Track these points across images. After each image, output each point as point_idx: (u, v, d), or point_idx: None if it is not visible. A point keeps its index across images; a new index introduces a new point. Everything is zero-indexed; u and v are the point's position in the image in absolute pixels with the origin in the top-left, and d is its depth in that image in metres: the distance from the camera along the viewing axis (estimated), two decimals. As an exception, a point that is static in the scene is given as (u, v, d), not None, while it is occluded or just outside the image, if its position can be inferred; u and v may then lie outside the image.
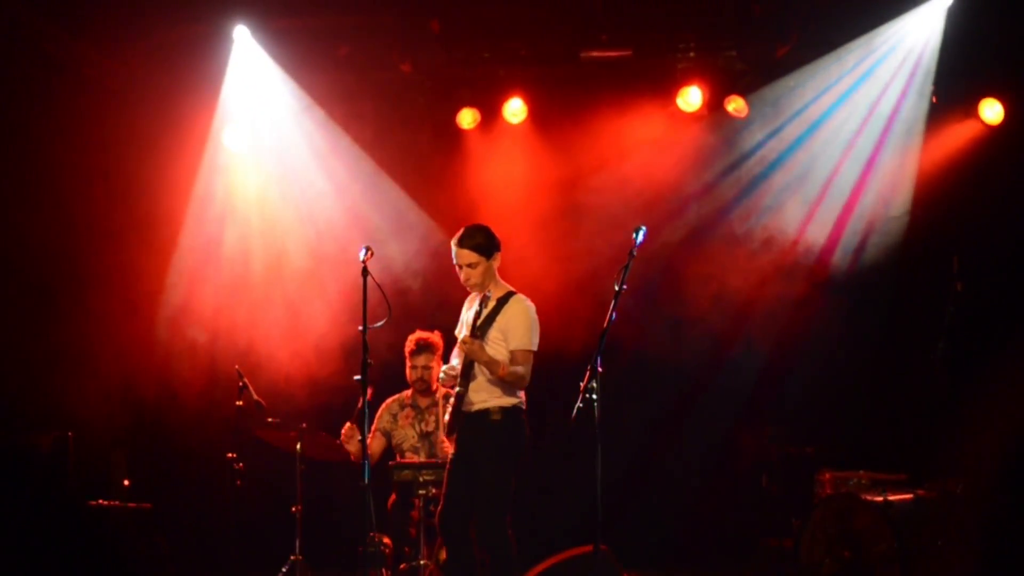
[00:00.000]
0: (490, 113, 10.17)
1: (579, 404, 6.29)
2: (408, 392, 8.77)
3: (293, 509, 8.49)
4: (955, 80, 9.66)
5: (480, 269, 7.16)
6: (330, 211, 10.22)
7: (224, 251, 10.26)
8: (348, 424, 8.15)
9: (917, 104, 9.69)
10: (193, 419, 9.97)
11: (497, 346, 7.07)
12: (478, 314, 7.16)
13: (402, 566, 8.05)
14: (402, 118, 10.18)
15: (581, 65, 9.95)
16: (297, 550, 8.43)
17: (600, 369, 6.33)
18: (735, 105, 9.97)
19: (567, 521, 9.01)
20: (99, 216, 9.99)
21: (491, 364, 6.96)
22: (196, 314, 10.19)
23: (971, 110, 9.75)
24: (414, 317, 8.40)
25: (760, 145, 10.04)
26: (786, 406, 8.75)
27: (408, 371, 8.58)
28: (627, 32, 9.74)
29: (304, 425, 8.52)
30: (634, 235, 6.60)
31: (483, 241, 7.16)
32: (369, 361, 7.09)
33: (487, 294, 7.16)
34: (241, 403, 8.61)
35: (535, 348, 7.13)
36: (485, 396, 7.12)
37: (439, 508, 7.26)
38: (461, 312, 7.36)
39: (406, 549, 8.14)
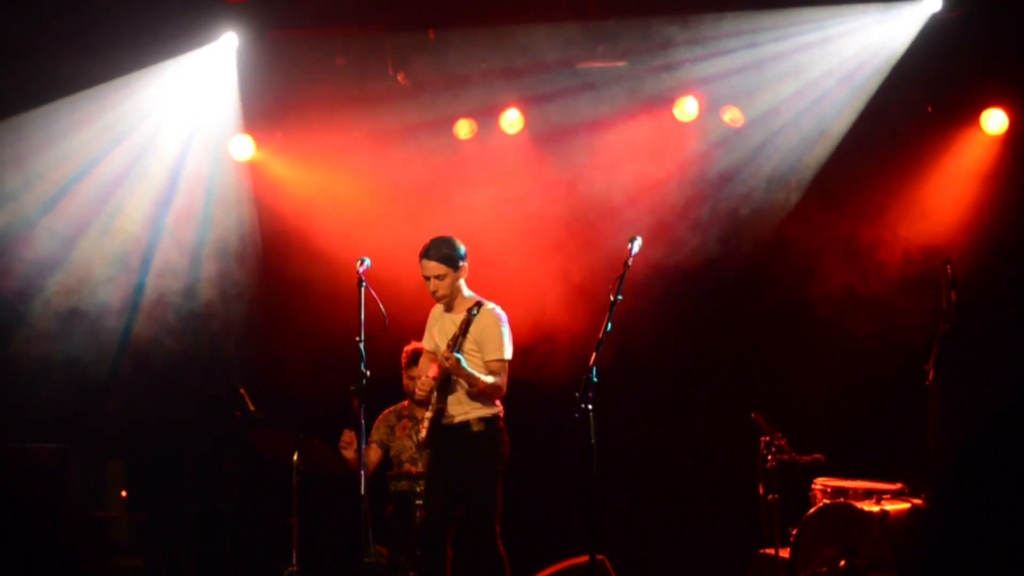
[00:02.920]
0: (487, 124, 10.18)
1: (574, 412, 6.31)
2: (405, 403, 8.78)
3: (289, 520, 8.51)
4: (955, 89, 9.66)
5: (448, 280, 7.23)
6: (326, 222, 10.22)
7: (224, 261, 10.26)
8: (347, 431, 8.17)
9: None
10: (190, 429, 9.96)
11: (472, 358, 7.12)
12: (456, 329, 7.18)
13: (398, 577, 8.06)
14: (397, 129, 10.18)
15: (577, 75, 9.96)
16: (293, 561, 8.44)
17: (596, 379, 6.34)
18: (731, 115, 9.97)
19: (563, 531, 9.00)
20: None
21: (470, 378, 7.00)
22: (194, 325, 10.20)
23: (972, 120, 9.76)
24: (410, 328, 8.40)
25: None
26: (783, 415, 8.72)
27: (405, 382, 8.60)
28: (623, 43, 9.75)
29: (301, 436, 8.53)
30: (629, 245, 6.61)
31: (450, 252, 7.23)
32: (365, 371, 7.11)
33: (472, 313, 7.16)
34: (238, 414, 8.62)
35: (510, 357, 7.19)
36: (466, 408, 7.17)
37: (421, 520, 7.28)
38: (428, 322, 7.38)
39: (403, 559, 8.14)
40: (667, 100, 9.97)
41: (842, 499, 8.01)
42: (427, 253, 7.27)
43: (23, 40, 9.12)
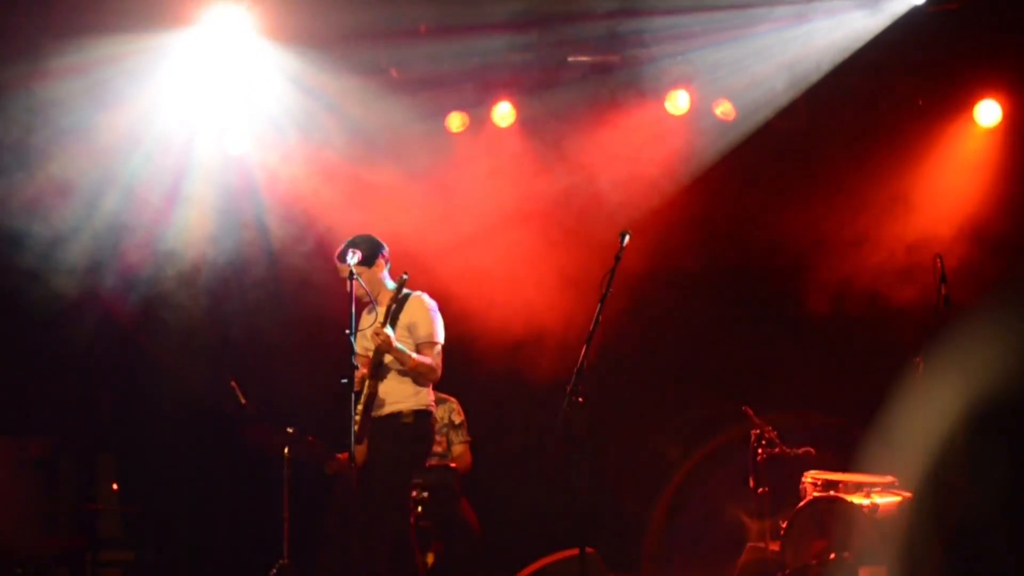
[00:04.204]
0: (479, 117, 10.17)
1: (565, 406, 6.31)
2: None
3: (281, 514, 8.52)
4: (947, 82, 9.68)
5: (364, 278, 7.33)
6: (318, 214, 10.21)
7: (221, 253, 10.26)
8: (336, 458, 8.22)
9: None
10: (181, 423, 9.96)
11: (404, 343, 7.18)
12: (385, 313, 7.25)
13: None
14: (389, 122, 10.17)
15: (569, 69, 9.96)
16: (285, 555, 8.45)
17: (586, 371, 6.35)
18: (723, 108, 9.98)
19: (553, 524, 9.01)
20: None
21: (401, 356, 7.07)
22: (186, 318, 10.19)
23: (965, 112, 9.78)
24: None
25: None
26: (773, 408, 8.74)
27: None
28: (615, 37, 9.75)
29: (291, 430, 8.54)
30: (620, 239, 6.62)
31: (354, 253, 7.28)
32: (356, 365, 7.12)
33: (400, 299, 7.24)
34: (230, 408, 8.63)
35: (441, 341, 7.27)
36: (397, 397, 7.22)
37: (331, 514, 7.30)
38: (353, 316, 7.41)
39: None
40: (658, 93, 9.97)
41: (832, 492, 8.03)
42: (340, 257, 7.40)
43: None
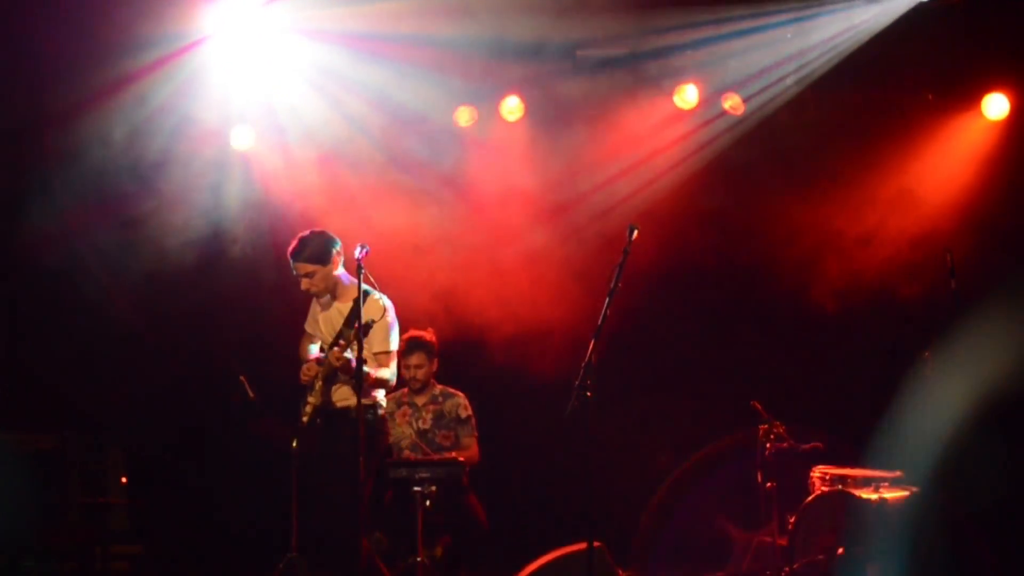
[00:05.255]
0: (487, 111, 10.16)
1: (573, 401, 6.31)
2: (404, 390, 8.80)
3: (290, 507, 8.53)
4: (955, 75, 9.66)
5: (319, 276, 7.35)
6: (326, 209, 10.21)
7: (225, 249, 10.26)
8: None
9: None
10: (191, 417, 9.97)
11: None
12: (343, 322, 7.30)
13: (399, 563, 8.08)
14: (398, 116, 10.16)
15: (578, 62, 9.95)
16: (293, 548, 8.46)
17: (594, 365, 6.35)
18: (732, 102, 9.97)
19: (561, 518, 9.02)
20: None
21: (359, 375, 7.06)
22: (195, 313, 10.20)
23: (973, 105, 9.76)
24: (408, 316, 8.40)
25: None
26: (781, 402, 8.73)
27: (401, 370, 8.60)
28: (624, 30, 9.74)
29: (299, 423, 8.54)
30: (627, 233, 6.62)
31: (316, 250, 7.33)
32: (363, 359, 7.12)
33: (358, 303, 7.20)
34: (238, 401, 8.64)
35: (396, 348, 7.30)
36: (347, 395, 7.24)
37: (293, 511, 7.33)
38: (312, 304, 7.42)
39: (402, 546, 8.17)
40: (667, 87, 9.96)
41: (840, 487, 8.02)
42: (293, 255, 7.41)
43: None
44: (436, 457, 8.50)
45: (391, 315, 7.38)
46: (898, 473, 8.14)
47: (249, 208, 10.28)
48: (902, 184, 9.85)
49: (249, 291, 10.13)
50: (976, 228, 9.50)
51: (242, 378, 8.60)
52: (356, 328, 7.08)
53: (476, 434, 8.91)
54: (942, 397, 7.81)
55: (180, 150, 9.97)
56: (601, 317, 6.37)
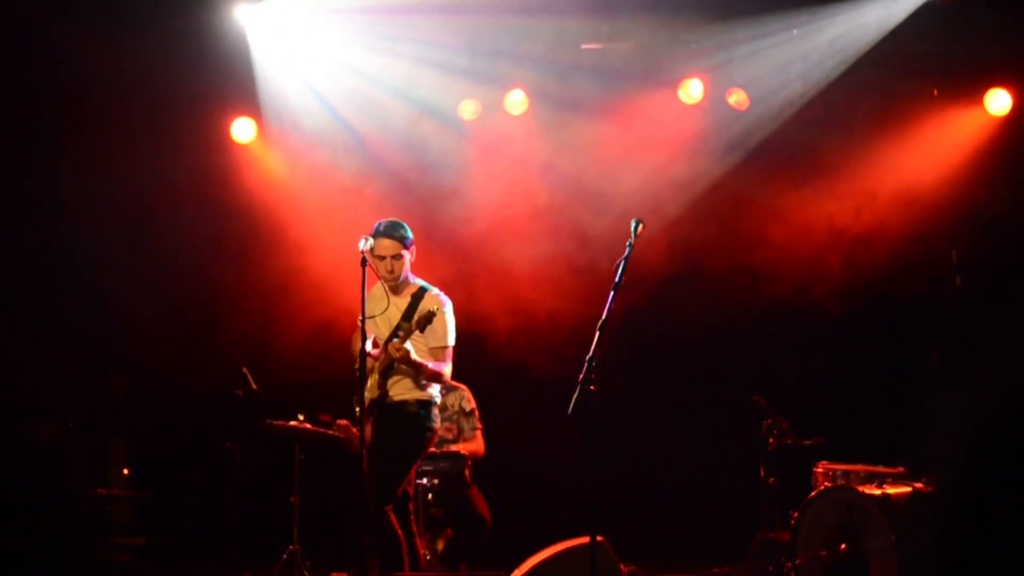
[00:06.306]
0: (492, 104, 10.15)
1: (576, 396, 6.29)
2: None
3: (291, 499, 8.53)
4: (959, 71, 9.65)
5: (403, 261, 7.24)
6: (330, 202, 10.22)
7: (227, 242, 10.26)
8: (340, 421, 8.19)
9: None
10: (193, 408, 9.98)
11: (416, 343, 7.10)
12: (401, 316, 7.19)
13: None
14: (403, 109, 10.15)
15: (583, 56, 9.93)
16: (295, 540, 8.47)
17: (599, 360, 6.34)
18: (736, 97, 9.96)
19: (563, 512, 9.01)
20: (100, 207, 10.01)
21: (419, 367, 7.01)
22: (196, 303, 10.21)
23: (976, 101, 9.76)
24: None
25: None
26: (784, 398, 8.73)
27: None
28: (629, 24, 9.72)
29: (302, 416, 8.55)
30: (631, 228, 6.60)
31: (407, 233, 7.23)
32: (368, 351, 7.10)
33: (417, 298, 7.18)
34: (241, 393, 8.64)
35: (453, 344, 7.20)
36: (402, 390, 7.18)
37: (367, 496, 7.28)
38: (367, 299, 7.33)
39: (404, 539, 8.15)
40: (672, 82, 9.94)
41: (843, 482, 8.02)
42: (387, 232, 7.23)
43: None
44: (438, 450, 8.49)
45: (449, 311, 7.29)
46: (901, 468, 8.14)
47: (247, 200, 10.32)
48: (906, 180, 9.84)
49: (254, 283, 10.14)
50: (978, 224, 9.48)
51: (244, 369, 8.60)
52: (416, 320, 6.99)
53: (480, 427, 8.89)
54: (948, 392, 7.80)
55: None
56: (605, 311, 6.35)
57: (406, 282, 7.34)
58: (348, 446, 8.28)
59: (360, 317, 6.96)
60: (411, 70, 9.87)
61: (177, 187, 10.12)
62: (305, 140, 10.22)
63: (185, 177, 10.15)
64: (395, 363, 7.16)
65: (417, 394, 7.25)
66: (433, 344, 7.19)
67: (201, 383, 9.87)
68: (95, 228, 9.94)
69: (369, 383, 7.21)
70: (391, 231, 7.22)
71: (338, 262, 9.47)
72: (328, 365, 9.79)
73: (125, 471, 9.71)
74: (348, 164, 10.19)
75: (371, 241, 7.09)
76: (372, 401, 7.21)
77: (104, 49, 9.61)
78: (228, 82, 10.02)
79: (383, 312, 7.26)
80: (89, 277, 9.90)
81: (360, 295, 6.87)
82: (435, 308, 7.07)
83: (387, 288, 7.30)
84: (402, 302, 7.29)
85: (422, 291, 7.26)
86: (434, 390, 7.33)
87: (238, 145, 10.35)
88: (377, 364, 7.22)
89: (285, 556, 8.45)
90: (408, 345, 6.99)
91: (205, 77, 9.93)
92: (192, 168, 10.18)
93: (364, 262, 7.02)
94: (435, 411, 7.36)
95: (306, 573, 8.42)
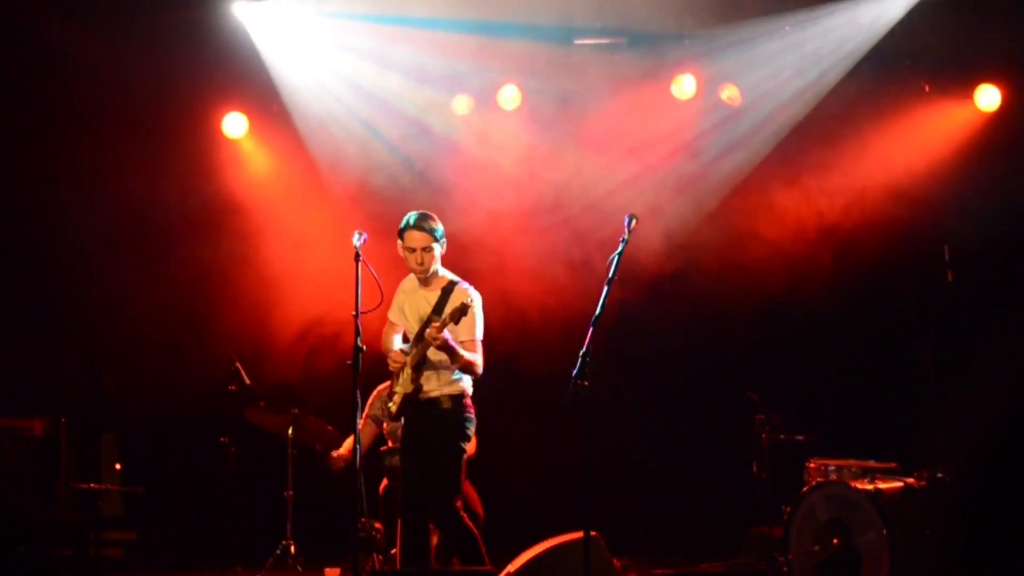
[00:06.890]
0: (484, 100, 10.14)
1: (570, 390, 6.30)
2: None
3: (285, 494, 8.54)
4: (948, 66, 9.68)
5: (433, 254, 7.17)
6: (322, 197, 10.22)
7: (219, 238, 10.26)
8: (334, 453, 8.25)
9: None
10: (186, 403, 9.97)
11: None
12: (431, 309, 7.17)
13: (392, 551, 8.07)
14: (396, 104, 10.15)
15: (576, 51, 9.93)
16: (288, 535, 8.48)
17: (592, 356, 6.34)
18: (729, 93, 9.97)
19: (557, 507, 9.02)
20: (93, 203, 10.00)
21: (455, 354, 6.98)
22: (190, 299, 10.21)
23: (966, 97, 9.78)
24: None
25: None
26: (776, 393, 8.75)
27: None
28: (621, 20, 9.73)
29: (296, 411, 8.56)
30: (625, 223, 6.61)
31: (437, 226, 7.17)
32: (361, 347, 7.08)
33: (447, 292, 7.15)
34: (234, 388, 8.63)
35: (482, 337, 7.16)
36: (434, 385, 7.15)
37: (400, 496, 7.27)
38: (396, 294, 7.30)
39: (396, 534, 8.16)
40: (665, 78, 9.95)
41: (835, 477, 8.04)
42: (418, 224, 7.17)
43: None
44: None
45: (478, 305, 7.25)
46: (893, 464, 8.16)
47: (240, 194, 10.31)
48: (897, 176, 9.87)
49: (248, 277, 10.14)
50: (969, 219, 9.50)
51: (237, 364, 8.59)
52: (450, 312, 6.93)
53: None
54: (940, 389, 7.81)
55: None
56: (599, 307, 6.36)
57: (435, 275, 7.29)
58: (331, 465, 8.34)
59: (354, 312, 6.96)
60: (405, 65, 9.86)
61: (169, 182, 10.12)
62: (297, 135, 10.22)
63: (177, 172, 10.15)
64: (426, 358, 7.10)
65: (450, 389, 7.18)
66: (464, 337, 7.10)
67: (194, 378, 9.85)
68: (87, 223, 9.94)
69: (402, 378, 7.17)
70: (421, 223, 7.15)
71: (331, 258, 9.49)
72: (321, 360, 9.81)
73: (117, 466, 9.71)
74: (341, 159, 10.18)
75: (364, 236, 7.06)
76: (405, 396, 7.17)
77: (96, 43, 9.62)
78: (220, 77, 10.02)
79: (412, 307, 7.23)
80: (81, 272, 9.89)
81: (355, 291, 6.87)
82: (468, 301, 7.03)
83: (416, 281, 7.28)
84: (432, 295, 7.24)
85: (452, 284, 7.21)
86: (466, 383, 7.27)
87: (229, 140, 10.35)
88: (410, 358, 7.16)
89: (278, 551, 8.45)
90: (445, 332, 6.94)
91: (197, 72, 9.94)
92: (183, 162, 10.18)
93: (358, 257, 7.02)
94: (468, 402, 7.31)
95: (299, 568, 8.42)
